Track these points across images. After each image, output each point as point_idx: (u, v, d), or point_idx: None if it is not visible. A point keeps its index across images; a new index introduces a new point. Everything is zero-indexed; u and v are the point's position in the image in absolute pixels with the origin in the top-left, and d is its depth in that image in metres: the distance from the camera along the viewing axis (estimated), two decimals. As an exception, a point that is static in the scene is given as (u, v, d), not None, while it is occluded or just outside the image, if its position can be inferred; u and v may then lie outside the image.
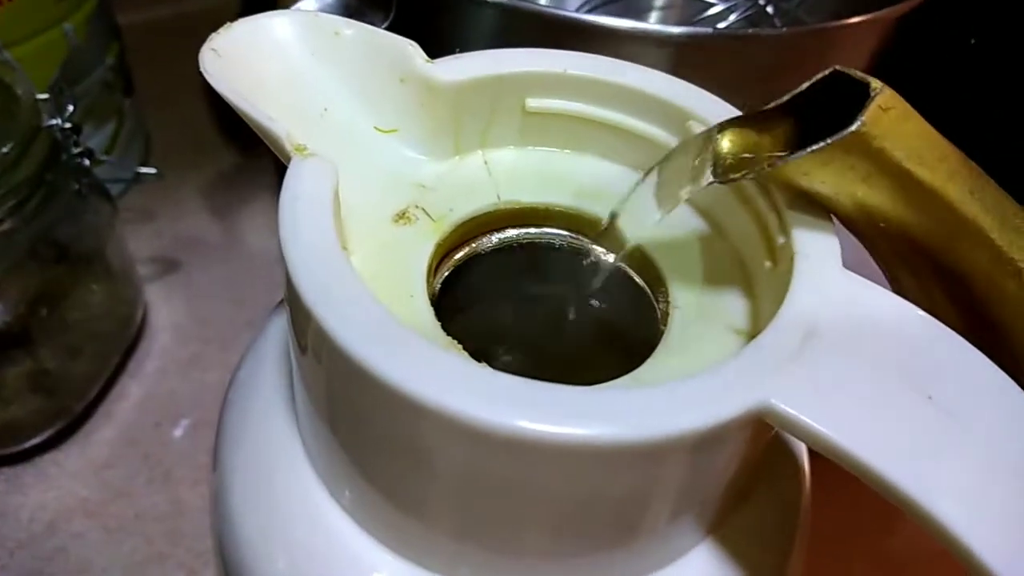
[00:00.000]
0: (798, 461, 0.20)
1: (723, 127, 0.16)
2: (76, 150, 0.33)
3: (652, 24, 0.24)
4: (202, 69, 0.17)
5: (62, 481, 0.34)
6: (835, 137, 0.14)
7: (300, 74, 0.18)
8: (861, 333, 0.14)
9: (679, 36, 0.24)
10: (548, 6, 0.26)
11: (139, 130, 0.46)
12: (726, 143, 0.16)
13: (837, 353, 0.14)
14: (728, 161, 0.16)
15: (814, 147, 0.15)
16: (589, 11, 0.34)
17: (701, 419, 0.13)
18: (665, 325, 0.17)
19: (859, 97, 0.14)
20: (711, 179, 0.16)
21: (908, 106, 0.15)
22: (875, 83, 0.14)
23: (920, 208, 0.16)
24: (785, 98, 0.16)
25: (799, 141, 0.15)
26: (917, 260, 0.17)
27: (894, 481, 0.13)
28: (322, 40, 0.18)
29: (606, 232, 0.19)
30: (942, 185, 0.15)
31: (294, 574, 0.17)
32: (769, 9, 0.35)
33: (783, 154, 0.15)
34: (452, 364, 0.13)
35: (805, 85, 0.16)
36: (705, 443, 0.13)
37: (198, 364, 0.38)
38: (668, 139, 0.19)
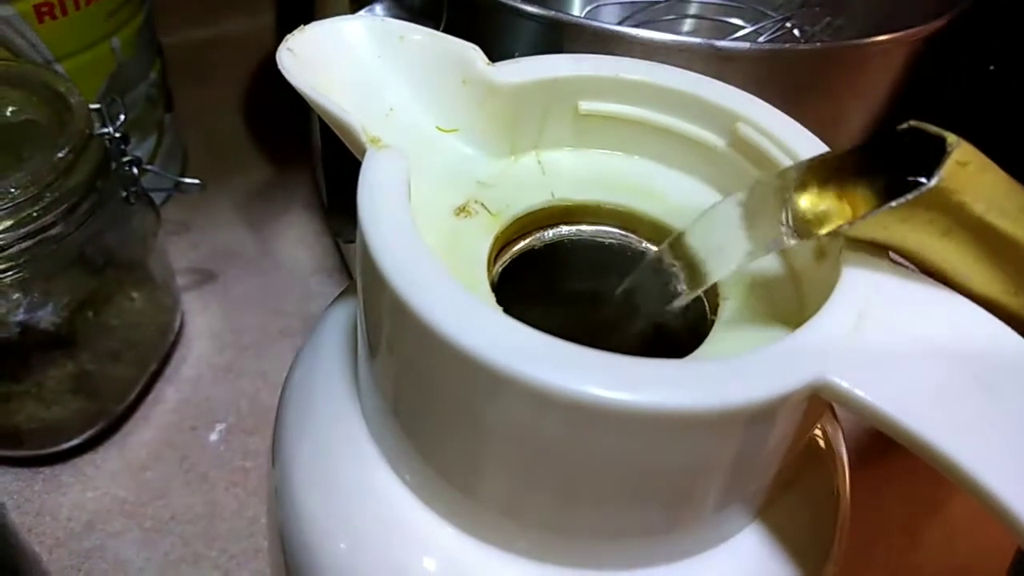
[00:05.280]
0: (839, 456, 0.20)
1: (799, 182, 0.16)
2: (125, 159, 0.34)
3: (691, 38, 0.26)
4: (280, 66, 0.18)
5: (100, 481, 0.35)
6: (913, 193, 0.14)
7: (367, 75, 0.19)
8: (910, 316, 0.15)
9: (717, 50, 0.25)
10: (585, 18, 0.27)
11: (178, 145, 0.47)
12: (803, 199, 0.16)
13: (888, 333, 0.15)
14: (807, 218, 0.16)
15: (893, 204, 0.14)
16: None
17: (763, 391, 0.14)
18: (715, 316, 0.18)
19: (935, 151, 0.14)
20: (795, 240, 0.16)
21: (985, 159, 0.15)
22: (951, 137, 0.14)
23: (1004, 260, 0.16)
24: (856, 145, 0.16)
25: (875, 196, 0.15)
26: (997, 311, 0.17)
27: (945, 452, 0.14)
28: (389, 43, 0.19)
29: (678, 261, 0.18)
30: None
31: (357, 552, 0.18)
32: (796, 32, 0.36)
33: (864, 212, 0.15)
34: (525, 333, 0.14)
35: (876, 135, 0.16)
36: (763, 416, 0.14)
37: (233, 371, 0.39)
38: (716, 141, 0.20)
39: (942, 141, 0.15)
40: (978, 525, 0.37)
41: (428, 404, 0.16)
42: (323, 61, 0.19)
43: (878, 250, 0.16)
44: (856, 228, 0.15)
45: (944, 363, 0.15)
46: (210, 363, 0.39)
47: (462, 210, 0.19)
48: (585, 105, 0.20)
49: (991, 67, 0.43)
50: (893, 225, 0.15)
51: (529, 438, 0.15)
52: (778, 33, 0.35)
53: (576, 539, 0.17)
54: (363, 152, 0.17)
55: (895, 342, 0.15)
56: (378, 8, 0.27)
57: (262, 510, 0.34)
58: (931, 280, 0.16)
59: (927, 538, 0.37)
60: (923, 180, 0.14)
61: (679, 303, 0.18)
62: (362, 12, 0.27)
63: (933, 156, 0.14)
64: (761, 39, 0.35)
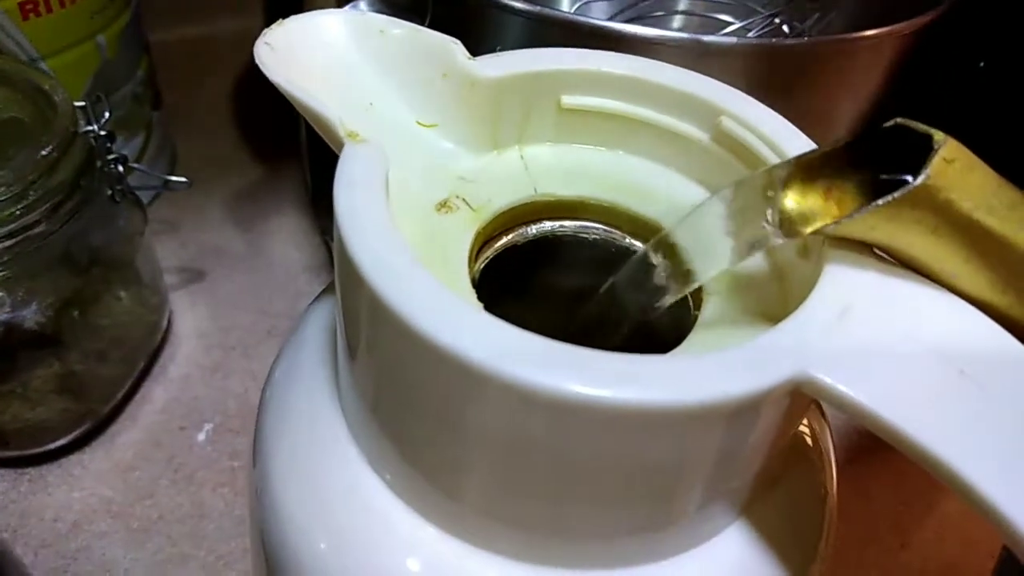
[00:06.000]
0: (826, 453, 0.20)
1: (784, 181, 0.16)
2: (110, 156, 0.34)
3: (679, 33, 0.25)
4: (257, 61, 0.17)
5: (87, 482, 0.35)
6: (900, 192, 0.14)
7: (347, 69, 0.19)
8: (894, 311, 0.15)
9: (705, 45, 0.25)
10: (573, 14, 0.27)
11: (166, 144, 0.47)
12: (789, 199, 0.16)
13: (871, 328, 0.15)
14: (793, 217, 0.16)
15: (879, 202, 0.14)
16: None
17: (744, 386, 0.13)
18: (699, 311, 0.18)
19: (921, 149, 0.14)
20: (780, 239, 0.16)
21: (973, 156, 0.15)
22: (938, 135, 0.14)
23: (993, 258, 0.16)
24: (842, 143, 0.16)
25: (862, 194, 0.15)
26: (985, 309, 0.16)
27: (930, 448, 0.13)
28: (368, 37, 0.19)
29: (665, 261, 0.18)
30: (1014, 234, 0.15)
31: (338, 553, 0.17)
32: (784, 28, 0.36)
33: (850, 211, 0.15)
34: (505, 331, 0.14)
35: (863, 133, 0.16)
36: (745, 411, 0.14)
37: (221, 371, 0.39)
38: (699, 136, 0.19)
39: (929, 139, 0.14)
40: (968, 523, 0.37)
41: (408, 403, 0.16)
42: (302, 55, 0.18)
43: (862, 245, 0.16)
44: (842, 227, 0.15)
45: (929, 358, 0.15)
46: (198, 362, 0.39)
47: (443, 205, 0.19)
48: (568, 99, 0.20)
49: (981, 63, 0.43)
50: (880, 224, 0.15)
51: (510, 437, 0.15)
52: (767, 29, 0.35)
53: (558, 538, 0.16)
54: (341, 146, 0.17)
55: (879, 337, 0.15)
56: (362, 4, 0.27)
57: (249, 510, 0.34)
58: (916, 275, 0.16)
59: (917, 537, 0.37)
60: (909, 178, 0.14)
61: (664, 303, 0.18)
62: (346, 8, 0.26)
63: (920, 154, 0.14)
64: (750, 35, 0.35)
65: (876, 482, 0.38)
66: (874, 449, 0.38)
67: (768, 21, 0.35)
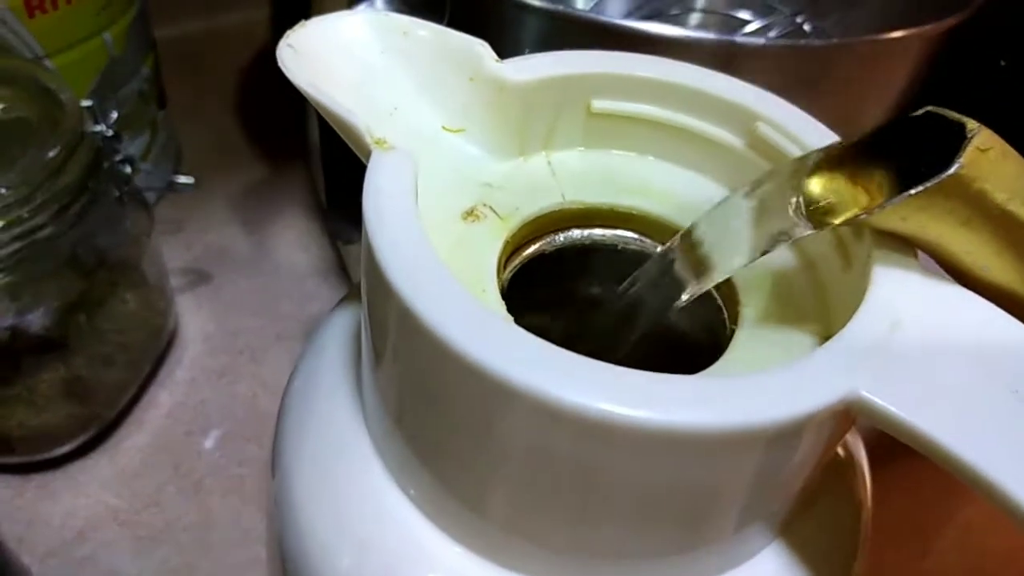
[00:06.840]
0: (860, 467, 0.20)
1: (812, 170, 0.16)
2: (118, 157, 0.33)
3: (703, 33, 0.25)
4: (280, 64, 0.17)
5: (92, 489, 0.34)
6: (933, 180, 0.14)
7: (370, 72, 0.18)
8: (944, 327, 0.14)
9: (732, 45, 0.24)
10: (590, 12, 0.26)
11: (171, 142, 0.46)
12: (817, 188, 0.15)
13: (922, 345, 0.14)
14: (821, 207, 0.15)
15: (911, 191, 0.14)
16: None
17: (794, 408, 0.13)
18: (736, 324, 0.17)
19: (954, 137, 0.14)
20: (808, 230, 0.15)
21: (1007, 146, 0.14)
22: (971, 123, 0.14)
23: None
24: (872, 132, 0.15)
25: (892, 184, 0.15)
26: (1017, 302, 0.16)
27: (986, 474, 0.13)
28: (392, 39, 0.19)
29: (686, 254, 0.18)
30: None
31: (361, 569, 0.17)
32: (806, 27, 0.35)
33: (881, 200, 0.14)
34: (539, 346, 0.13)
35: (893, 121, 0.15)
36: (791, 433, 0.13)
37: (228, 375, 0.38)
38: (734, 141, 0.19)
39: (962, 127, 0.14)
40: (991, 530, 0.36)
41: (435, 417, 0.15)
42: (325, 57, 0.18)
43: (908, 258, 0.15)
44: (873, 217, 0.15)
45: (980, 376, 0.14)
46: (204, 367, 0.38)
47: (470, 214, 0.18)
48: (598, 103, 0.19)
49: (1002, 62, 0.42)
50: (911, 214, 0.14)
51: (541, 455, 0.14)
52: (788, 29, 0.35)
53: (586, 559, 0.16)
54: (367, 154, 0.16)
55: (929, 354, 0.14)
56: (378, 2, 0.26)
57: (258, 519, 0.33)
58: (964, 289, 0.15)
59: (938, 544, 0.36)
60: (943, 167, 0.14)
61: (685, 297, 0.18)
62: (361, 6, 0.26)
63: (951, 143, 0.14)
64: (771, 34, 0.34)
65: (895, 488, 0.37)
66: (893, 454, 0.37)
67: (789, 22, 0.34)
